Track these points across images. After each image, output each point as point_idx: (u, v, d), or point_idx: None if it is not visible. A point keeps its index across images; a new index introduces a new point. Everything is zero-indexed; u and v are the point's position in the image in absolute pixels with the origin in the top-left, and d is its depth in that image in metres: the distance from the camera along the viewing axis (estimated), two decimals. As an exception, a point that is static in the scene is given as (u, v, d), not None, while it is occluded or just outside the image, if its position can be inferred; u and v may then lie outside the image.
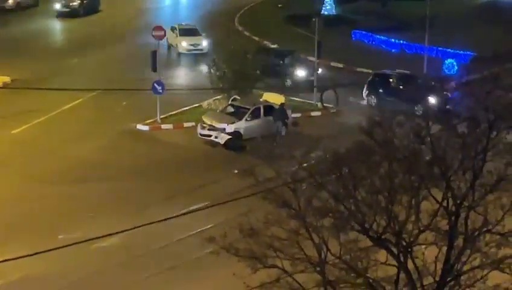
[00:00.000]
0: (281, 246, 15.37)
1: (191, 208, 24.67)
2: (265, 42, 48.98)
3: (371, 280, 15.20)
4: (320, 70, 40.01)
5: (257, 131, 33.26)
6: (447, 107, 17.58)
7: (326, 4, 57.73)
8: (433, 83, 36.91)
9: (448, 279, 15.16)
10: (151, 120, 35.09)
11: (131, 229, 17.35)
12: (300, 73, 40.67)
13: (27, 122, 34.56)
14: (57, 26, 55.41)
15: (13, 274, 21.62)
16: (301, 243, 15.31)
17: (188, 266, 22.94)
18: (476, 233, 14.97)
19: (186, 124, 35.12)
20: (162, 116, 35.26)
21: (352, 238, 15.21)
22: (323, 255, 15.21)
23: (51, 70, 42.13)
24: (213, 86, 37.36)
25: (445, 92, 30.37)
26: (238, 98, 35.04)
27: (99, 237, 17.57)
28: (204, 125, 33.14)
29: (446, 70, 43.11)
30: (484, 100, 15.19)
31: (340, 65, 44.61)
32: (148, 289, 22.17)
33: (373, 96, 38.33)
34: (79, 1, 56.54)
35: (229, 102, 34.93)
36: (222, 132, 32.53)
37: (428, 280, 15.28)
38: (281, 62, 41.84)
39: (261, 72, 38.73)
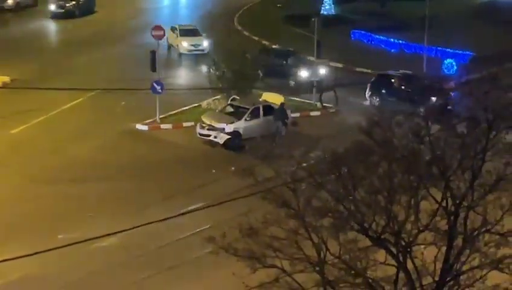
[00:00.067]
0: (280, 246, 15.37)
1: (190, 208, 24.68)
2: (268, 43, 48.93)
3: (370, 280, 15.20)
4: (323, 71, 40.06)
5: (256, 131, 33.24)
6: (448, 107, 17.61)
7: (326, 4, 57.76)
8: (436, 83, 36.92)
9: (448, 279, 15.16)
10: (151, 120, 35.09)
11: (130, 229, 17.42)
12: (304, 74, 40.62)
13: (26, 122, 34.55)
14: (55, 26, 55.33)
15: (13, 274, 21.61)
16: (300, 243, 15.31)
17: (187, 265, 22.92)
18: (475, 233, 14.98)
19: (185, 124, 35.11)
20: (161, 116, 35.26)
21: (352, 238, 15.21)
22: (322, 255, 15.21)
23: (50, 70, 42.14)
24: (212, 85, 37.38)
25: (448, 93, 30.46)
26: (238, 98, 35.02)
27: (98, 237, 17.64)
28: (204, 125, 33.13)
29: (445, 70, 43.13)
30: (483, 100, 15.20)
31: (340, 65, 44.62)
32: (147, 288, 22.16)
33: (376, 97, 38.24)
34: (74, 2, 56.33)
35: (229, 102, 34.92)
36: (221, 132, 32.51)
37: (427, 280, 15.28)
38: (284, 62, 41.82)
39: (264, 73, 38.72)
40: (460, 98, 18.27)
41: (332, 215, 15.02)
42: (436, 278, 15.14)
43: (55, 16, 55.59)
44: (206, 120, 33.25)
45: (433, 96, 34.11)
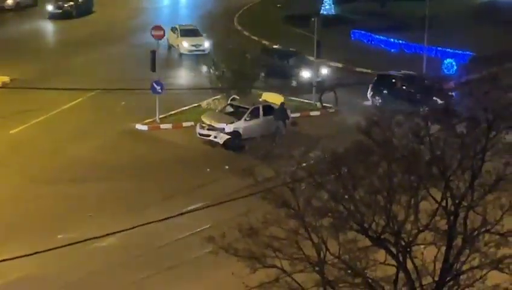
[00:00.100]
0: (280, 246, 15.37)
1: (190, 208, 24.65)
2: (268, 43, 48.91)
3: (370, 280, 15.20)
4: (325, 71, 40.00)
5: (256, 131, 33.24)
6: (449, 107, 17.58)
7: (325, 4, 57.75)
8: (437, 84, 36.83)
9: (447, 279, 15.16)
10: (150, 120, 35.08)
11: (130, 228, 17.38)
12: (306, 74, 40.57)
13: (25, 122, 34.54)
14: (54, 27, 55.29)
15: (12, 274, 21.61)
16: (300, 243, 15.31)
17: (187, 265, 22.92)
18: (475, 233, 14.98)
19: (185, 124, 35.11)
20: (161, 116, 35.25)
21: (351, 238, 15.22)
22: (322, 255, 15.21)
23: (50, 70, 42.12)
24: (212, 85, 37.38)
25: (449, 93, 30.38)
26: (237, 97, 35.02)
27: (98, 237, 17.60)
28: (204, 125, 33.12)
29: (445, 70, 43.11)
30: (483, 100, 15.20)
31: (340, 65, 44.61)
32: (147, 288, 22.16)
33: (378, 97, 38.19)
34: (71, 2, 56.19)
35: (228, 102, 34.92)
36: (221, 132, 32.51)
37: (427, 280, 15.28)
38: (286, 63, 41.79)
39: (265, 73, 38.67)
40: (460, 98, 18.24)
41: (332, 215, 15.02)
42: (436, 278, 15.14)
43: (53, 17, 55.46)
44: (206, 120, 33.24)
45: (436, 96, 33.98)
